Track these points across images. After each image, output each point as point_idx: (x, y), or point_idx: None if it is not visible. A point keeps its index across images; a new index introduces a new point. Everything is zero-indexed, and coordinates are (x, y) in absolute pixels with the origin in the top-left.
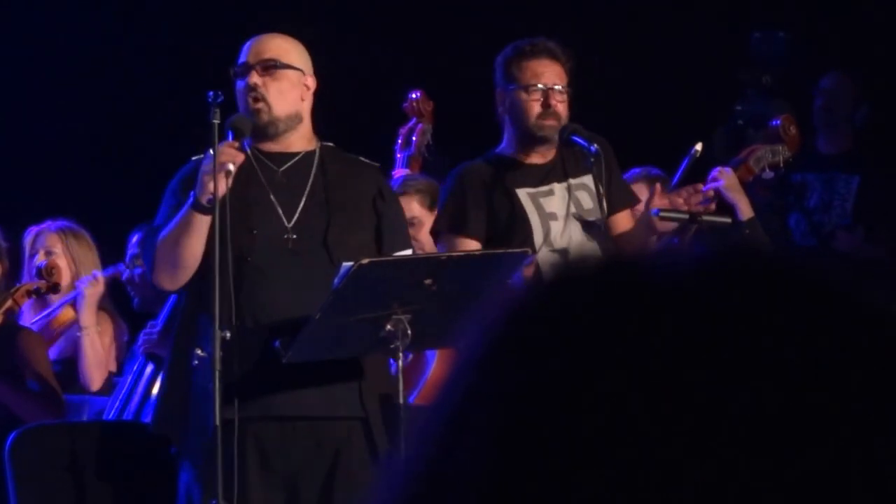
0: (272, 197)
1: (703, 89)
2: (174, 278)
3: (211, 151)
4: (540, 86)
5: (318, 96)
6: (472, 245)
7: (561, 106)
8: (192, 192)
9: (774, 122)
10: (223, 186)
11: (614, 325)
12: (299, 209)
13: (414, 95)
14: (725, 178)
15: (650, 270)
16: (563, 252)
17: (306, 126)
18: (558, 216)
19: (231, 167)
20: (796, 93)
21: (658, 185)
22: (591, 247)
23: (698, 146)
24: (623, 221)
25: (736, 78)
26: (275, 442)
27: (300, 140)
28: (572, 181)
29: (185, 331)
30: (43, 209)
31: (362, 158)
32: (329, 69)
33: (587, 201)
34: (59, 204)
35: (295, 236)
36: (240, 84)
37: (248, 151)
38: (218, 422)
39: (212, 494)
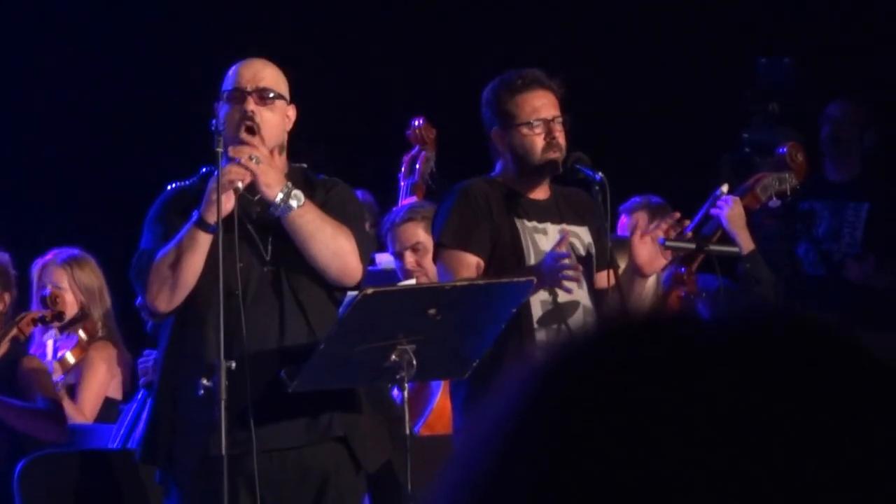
0: (249, 227)
1: (709, 116)
2: (171, 298)
3: (227, 162)
4: (541, 120)
5: (322, 124)
6: (475, 262)
7: (561, 136)
8: (194, 211)
9: (781, 150)
10: (230, 204)
11: (655, 388)
12: (271, 238)
13: (417, 123)
14: (728, 209)
15: (693, 332)
16: (553, 294)
17: (284, 156)
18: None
19: (240, 185)
20: (803, 119)
21: (644, 215)
22: (580, 295)
23: (724, 188)
24: (602, 279)
25: (742, 105)
26: (262, 473)
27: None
28: (566, 226)
29: (172, 361)
30: (51, 236)
31: (322, 176)
32: (333, 97)
33: (579, 250)
34: (67, 229)
35: (272, 267)
36: (227, 108)
37: (243, 194)
38: (224, 451)
39: None
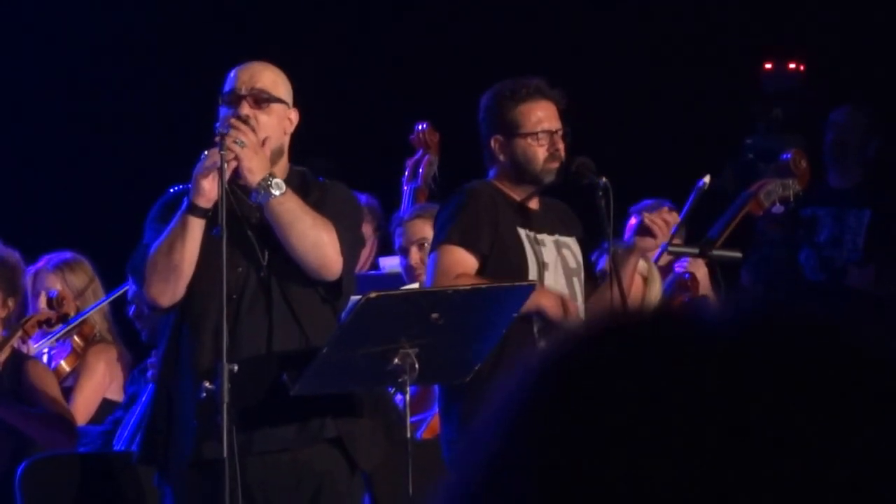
0: (249, 232)
1: (713, 122)
2: (167, 290)
3: (206, 152)
4: (545, 132)
5: (327, 128)
6: (473, 263)
7: (562, 148)
8: (185, 199)
9: (785, 156)
10: (214, 188)
11: (660, 381)
12: (269, 244)
13: (420, 127)
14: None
15: (697, 326)
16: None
17: (285, 158)
18: (549, 267)
19: (222, 164)
20: (807, 126)
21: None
22: (577, 303)
23: (706, 179)
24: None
25: (747, 111)
26: (256, 475)
27: (278, 172)
28: (559, 238)
29: (169, 365)
30: (51, 237)
31: (321, 179)
32: (337, 101)
33: (571, 261)
34: (63, 231)
35: (269, 271)
36: (225, 111)
37: (227, 187)
38: (226, 454)
39: None
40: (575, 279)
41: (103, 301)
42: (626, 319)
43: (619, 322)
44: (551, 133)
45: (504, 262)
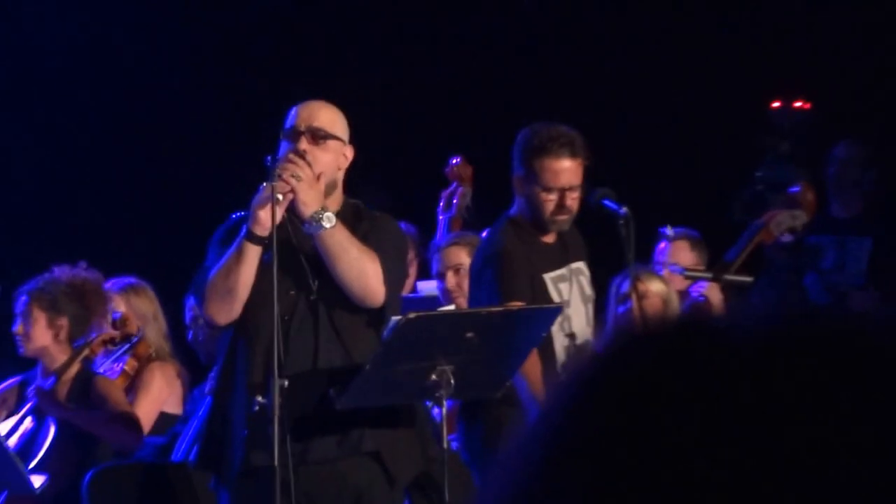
0: (302, 259)
1: (727, 156)
2: (224, 310)
3: (264, 184)
4: (556, 188)
5: (369, 162)
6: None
7: (573, 202)
8: (243, 226)
9: (794, 189)
10: (277, 214)
11: (688, 387)
12: (321, 270)
13: (455, 161)
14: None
15: (729, 333)
16: (572, 336)
17: (339, 191)
18: (570, 302)
19: (280, 197)
20: (812, 160)
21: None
22: (590, 331)
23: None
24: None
25: (757, 145)
26: (301, 484)
27: (332, 203)
28: (573, 265)
29: (225, 380)
30: (115, 262)
31: (373, 211)
32: (378, 137)
33: (586, 287)
34: (126, 258)
35: (319, 295)
36: (286, 146)
37: (287, 214)
38: (276, 462)
39: None
40: (589, 305)
41: None
42: (657, 330)
43: (651, 334)
44: (563, 189)
45: (537, 303)
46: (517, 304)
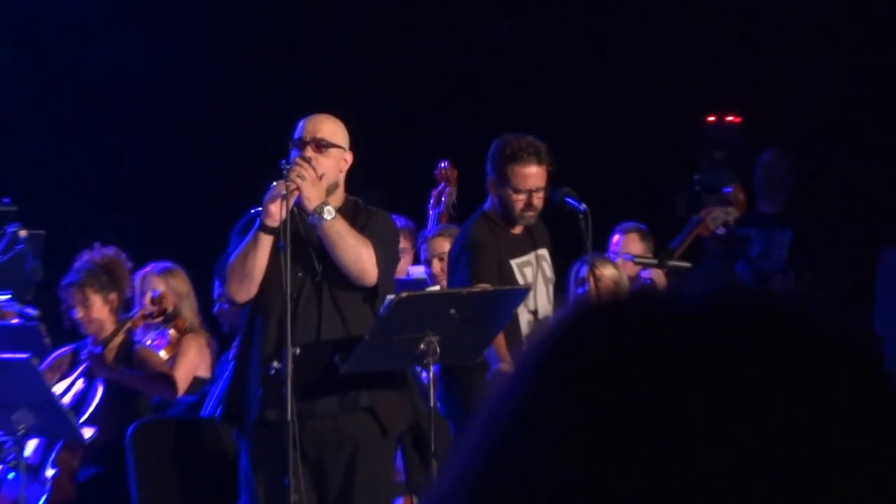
0: (308, 246)
1: (669, 162)
2: (242, 290)
3: (274, 184)
4: (525, 190)
5: (370, 167)
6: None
7: (538, 201)
8: (257, 219)
9: (727, 190)
10: (282, 211)
11: (637, 342)
12: (323, 255)
13: (443, 165)
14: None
15: (671, 302)
16: (534, 313)
17: (341, 189)
18: (534, 285)
19: (285, 192)
20: (742, 166)
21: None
22: (550, 308)
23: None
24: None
25: (695, 153)
26: (307, 436)
27: (335, 200)
28: (538, 252)
29: (244, 348)
30: (157, 251)
31: (369, 206)
32: (379, 145)
33: (548, 271)
34: (165, 247)
35: (323, 276)
36: (295, 153)
37: (296, 209)
38: (289, 417)
39: (283, 473)
40: (550, 286)
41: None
42: (612, 301)
43: (607, 303)
44: (531, 191)
45: (504, 285)
46: (484, 286)
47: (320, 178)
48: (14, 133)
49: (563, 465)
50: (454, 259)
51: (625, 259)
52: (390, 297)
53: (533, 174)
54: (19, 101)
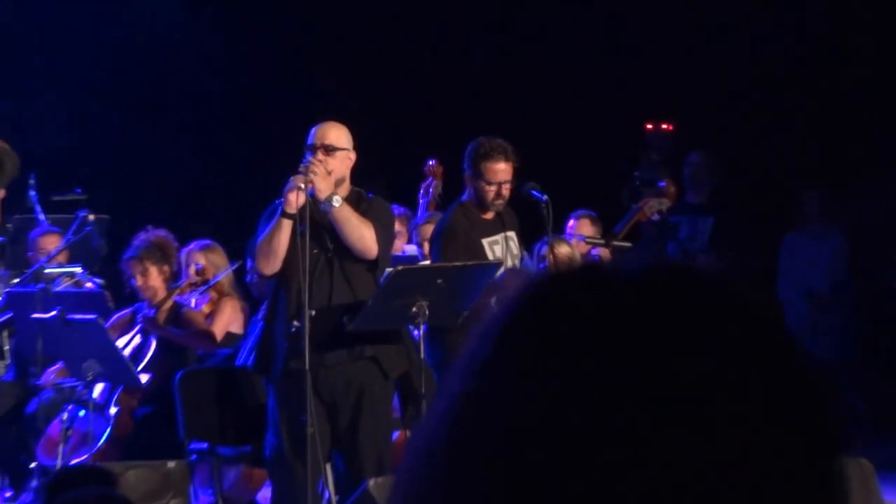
0: (322, 229)
1: (614, 161)
2: (268, 265)
3: (292, 178)
4: (495, 182)
5: (372, 164)
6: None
7: (506, 192)
8: (279, 207)
9: (661, 184)
10: (301, 198)
11: (588, 304)
12: (334, 235)
13: (430, 162)
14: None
15: (612, 272)
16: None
17: (347, 182)
18: (503, 259)
19: (301, 185)
20: (674, 164)
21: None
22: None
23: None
24: None
25: (636, 153)
26: (321, 381)
27: (342, 191)
28: (507, 233)
29: (272, 310)
30: (201, 230)
31: (371, 196)
32: (379, 145)
33: (514, 248)
34: (206, 227)
35: (333, 252)
36: (309, 155)
37: (310, 198)
38: (307, 366)
39: (302, 412)
40: (517, 262)
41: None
42: (568, 272)
43: (562, 272)
44: (500, 184)
45: (475, 260)
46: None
47: (329, 174)
48: (89, 137)
49: (521, 406)
50: (433, 240)
51: (578, 240)
52: (389, 269)
53: (502, 169)
54: (97, 108)
